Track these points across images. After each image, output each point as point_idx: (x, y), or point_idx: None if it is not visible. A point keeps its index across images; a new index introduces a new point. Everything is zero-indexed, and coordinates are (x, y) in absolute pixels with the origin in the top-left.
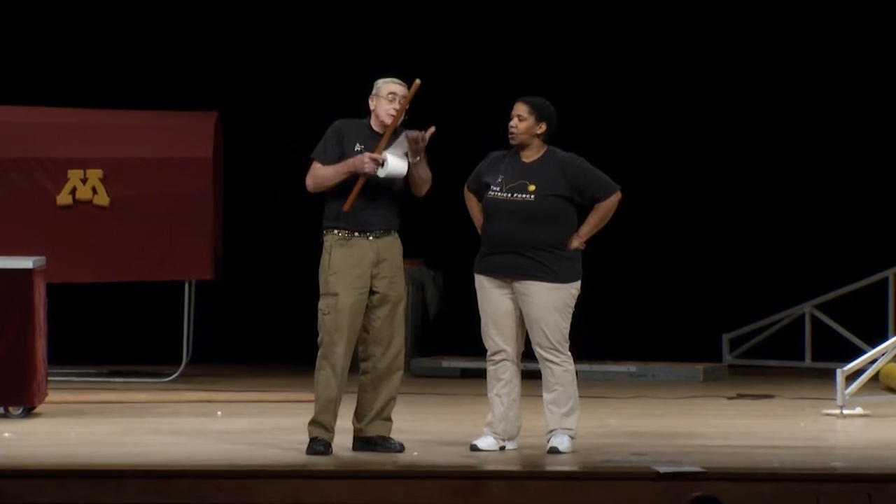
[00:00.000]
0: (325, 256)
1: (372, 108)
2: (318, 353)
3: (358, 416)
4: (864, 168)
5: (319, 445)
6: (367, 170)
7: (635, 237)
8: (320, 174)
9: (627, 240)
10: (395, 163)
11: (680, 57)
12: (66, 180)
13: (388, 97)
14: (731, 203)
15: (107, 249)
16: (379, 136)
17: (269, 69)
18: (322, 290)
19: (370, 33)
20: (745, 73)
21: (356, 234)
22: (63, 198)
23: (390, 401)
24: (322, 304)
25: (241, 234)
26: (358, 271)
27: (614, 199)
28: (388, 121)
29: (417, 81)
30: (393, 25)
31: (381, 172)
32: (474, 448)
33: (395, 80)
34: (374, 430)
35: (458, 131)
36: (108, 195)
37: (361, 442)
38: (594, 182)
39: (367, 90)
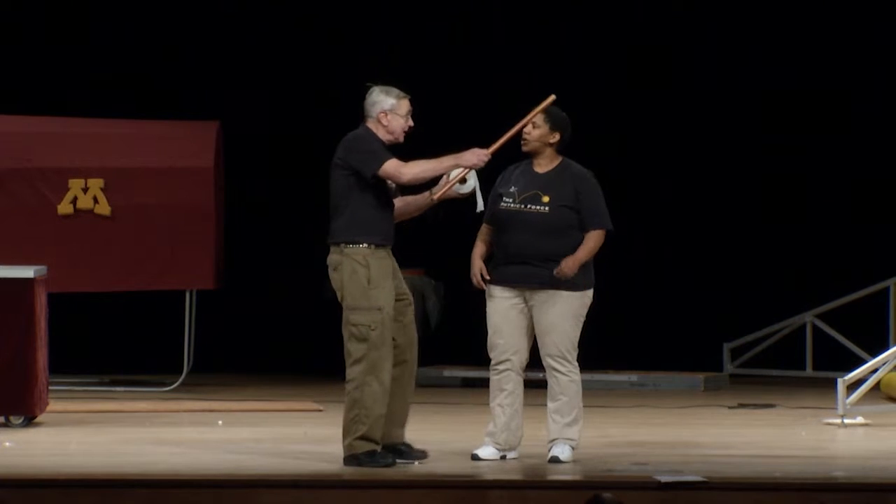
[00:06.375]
0: (360, 270)
1: (385, 122)
2: (360, 369)
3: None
4: (864, 176)
5: (388, 458)
6: (474, 162)
7: (636, 247)
8: (422, 165)
9: (628, 249)
10: (474, 186)
11: (681, 57)
12: (68, 189)
13: (406, 116)
14: (732, 212)
15: (108, 259)
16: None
17: (270, 77)
18: (362, 304)
19: (372, 38)
20: (743, 73)
21: (383, 246)
22: (64, 207)
23: (409, 405)
24: (365, 319)
25: (242, 243)
26: (393, 282)
27: (598, 234)
28: (402, 138)
29: (552, 97)
30: (394, 28)
31: (466, 188)
32: (475, 458)
33: (406, 94)
34: (399, 437)
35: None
36: (110, 204)
37: (387, 450)
38: (591, 210)
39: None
